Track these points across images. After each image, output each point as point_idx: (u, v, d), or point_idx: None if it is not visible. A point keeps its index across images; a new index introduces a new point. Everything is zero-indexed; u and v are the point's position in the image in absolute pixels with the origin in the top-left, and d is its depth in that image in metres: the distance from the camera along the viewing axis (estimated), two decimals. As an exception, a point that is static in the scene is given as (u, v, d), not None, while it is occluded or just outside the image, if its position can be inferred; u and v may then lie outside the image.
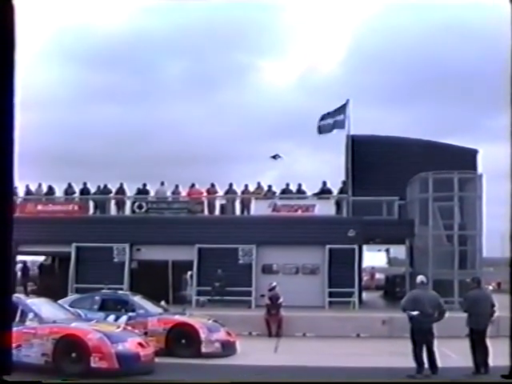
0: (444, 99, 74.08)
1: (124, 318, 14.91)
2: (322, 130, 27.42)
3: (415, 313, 12.21)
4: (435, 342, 12.27)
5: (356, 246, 24.84)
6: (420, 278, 12.95)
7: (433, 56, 63.64)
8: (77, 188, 27.78)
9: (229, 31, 70.57)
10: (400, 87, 77.71)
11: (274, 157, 28.74)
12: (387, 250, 44.65)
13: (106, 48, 65.70)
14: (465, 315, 12.73)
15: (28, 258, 30.47)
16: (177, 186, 27.52)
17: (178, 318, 15.49)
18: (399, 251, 33.67)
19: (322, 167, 55.41)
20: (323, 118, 27.36)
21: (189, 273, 28.47)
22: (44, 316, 12.25)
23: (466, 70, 68.45)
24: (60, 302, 15.00)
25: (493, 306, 12.64)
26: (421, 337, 12.17)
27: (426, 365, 12.12)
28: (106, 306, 15.50)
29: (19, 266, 29.13)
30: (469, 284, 14.26)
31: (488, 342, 12.31)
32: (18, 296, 13.62)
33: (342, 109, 27.08)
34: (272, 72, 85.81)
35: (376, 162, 26.74)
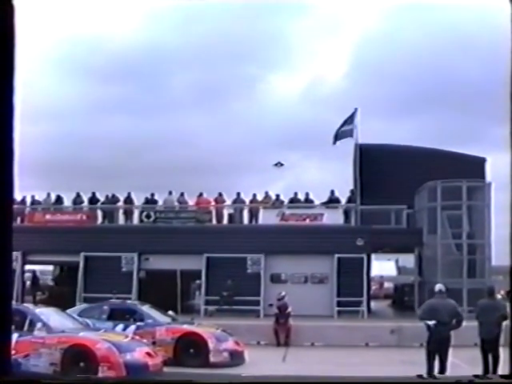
0: (451, 108, 73.83)
1: (132, 328, 14.87)
2: (339, 136, 27.40)
3: (432, 322, 12.01)
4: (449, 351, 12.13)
5: (364, 255, 24.79)
6: (438, 287, 12.55)
7: (439, 66, 63.47)
8: (85, 197, 27.86)
9: (237, 43, 70.70)
10: (407, 97, 77.43)
11: (276, 164, 30.40)
12: (396, 260, 44.56)
13: (116, 59, 65.80)
14: (473, 324, 12.65)
15: (37, 268, 30.58)
16: (182, 194, 27.49)
17: (187, 327, 15.46)
18: (408, 260, 33.56)
19: (329, 177, 55.37)
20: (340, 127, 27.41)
21: (197, 282, 28.47)
22: (52, 325, 12.25)
23: (473, 78, 68.28)
24: (68, 311, 15.01)
25: (504, 316, 12.38)
26: (437, 346, 11.98)
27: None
28: (115, 316, 15.47)
29: (28, 275, 29.22)
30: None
31: (501, 351, 12.17)
32: (27, 305, 13.69)
33: (350, 118, 27.09)
34: (280, 84, 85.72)
35: (384, 171, 26.68)
